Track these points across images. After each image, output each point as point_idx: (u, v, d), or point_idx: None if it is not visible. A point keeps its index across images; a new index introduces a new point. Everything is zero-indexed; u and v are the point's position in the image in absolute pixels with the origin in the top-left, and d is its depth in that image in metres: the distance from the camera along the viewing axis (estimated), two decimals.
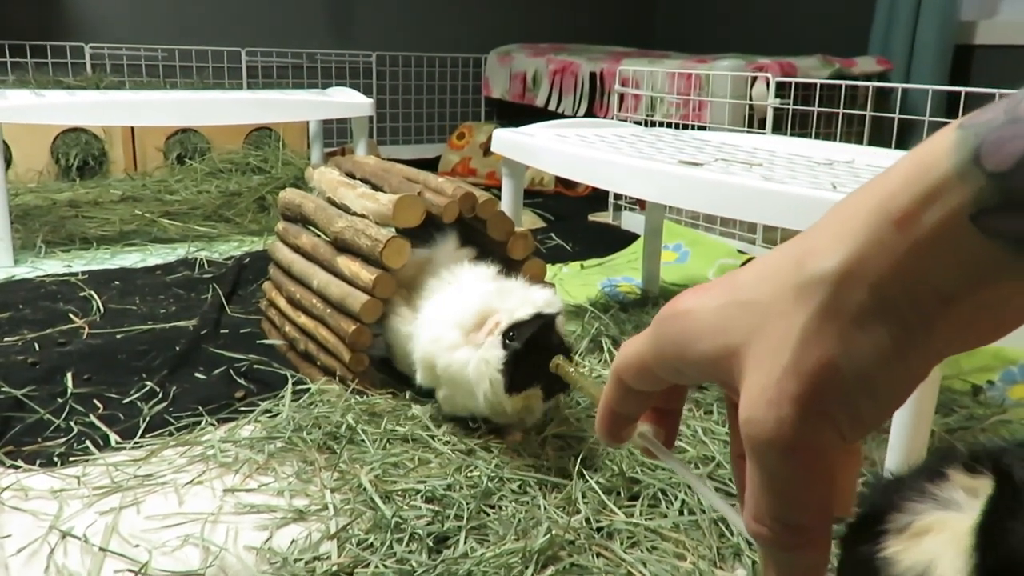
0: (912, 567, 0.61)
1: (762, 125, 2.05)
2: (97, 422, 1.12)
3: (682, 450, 1.05)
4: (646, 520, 0.91)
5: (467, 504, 0.92)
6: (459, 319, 1.04)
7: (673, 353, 0.32)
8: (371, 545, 0.87)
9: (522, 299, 1.03)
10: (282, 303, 1.40)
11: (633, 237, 2.20)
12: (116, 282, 1.75)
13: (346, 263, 1.22)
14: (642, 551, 0.87)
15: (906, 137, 1.84)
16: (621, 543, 0.88)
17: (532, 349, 0.98)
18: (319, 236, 1.35)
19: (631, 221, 2.34)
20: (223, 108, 2.09)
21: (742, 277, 0.31)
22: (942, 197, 0.25)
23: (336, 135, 3.28)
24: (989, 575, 0.59)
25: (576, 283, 1.84)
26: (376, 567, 0.83)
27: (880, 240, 0.26)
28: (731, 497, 0.94)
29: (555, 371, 0.93)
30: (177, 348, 1.37)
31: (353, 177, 1.42)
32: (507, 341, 1.00)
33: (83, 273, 1.79)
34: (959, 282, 0.26)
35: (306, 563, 0.84)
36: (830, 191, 0.96)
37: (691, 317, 0.31)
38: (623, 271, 1.95)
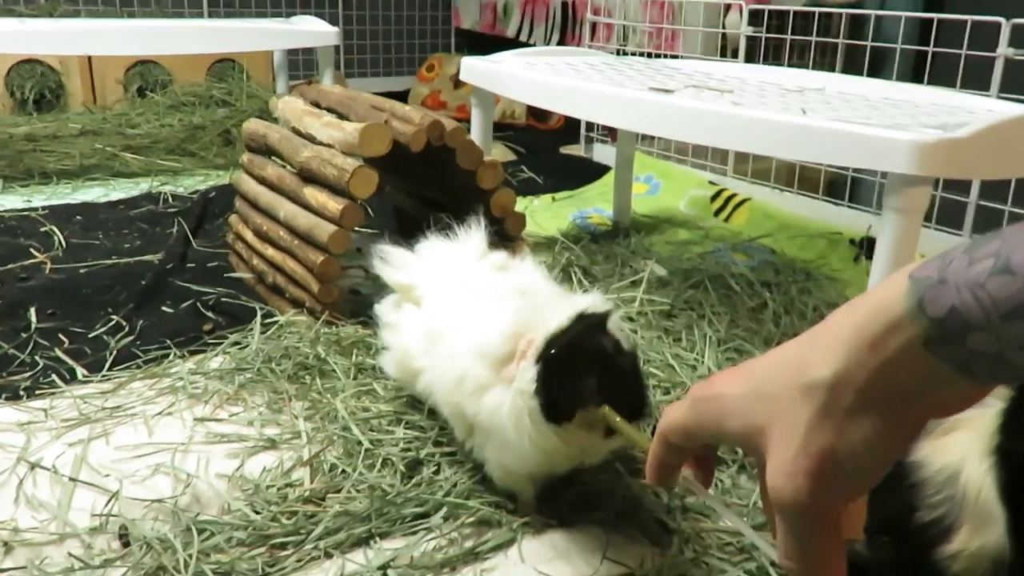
0: (942, 468, 0.62)
1: (735, 54, 2.03)
2: (63, 356, 1.10)
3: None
4: None
5: (440, 430, 0.93)
6: (485, 348, 0.77)
7: (711, 427, 0.43)
8: (343, 471, 0.87)
9: (559, 308, 0.75)
10: (249, 236, 1.38)
11: (605, 169, 2.18)
12: (78, 217, 1.71)
13: (313, 194, 1.21)
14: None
15: (879, 65, 1.83)
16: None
17: (574, 356, 0.71)
18: (285, 167, 1.33)
19: (603, 153, 2.33)
20: (183, 37, 2.02)
21: (759, 370, 0.42)
22: (900, 330, 0.35)
23: (302, 67, 3.20)
24: (1009, 454, 0.60)
25: (547, 215, 1.83)
26: (349, 492, 0.84)
27: (859, 359, 0.37)
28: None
29: (603, 418, 0.69)
30: (143, 282, 1.35)
31: (318, 106, 1.39)
32: (547, 354, 0.72)
33: (43, 208, 1.75)
34: (920, 386, 0.36)
35: (279, 490, 0.84)
36: (800, 116, 0.95)
37: (724, 400, 0.42)
38: (595, 203, 1.94)
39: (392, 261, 0.97)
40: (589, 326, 0.72)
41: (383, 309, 0.98)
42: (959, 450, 0.61)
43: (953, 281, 0.34)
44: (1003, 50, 1.36)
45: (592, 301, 0.76)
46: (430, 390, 0.87)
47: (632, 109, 1.09)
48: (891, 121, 0.95)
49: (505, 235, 1.29)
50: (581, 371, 0.70)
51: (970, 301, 0.33)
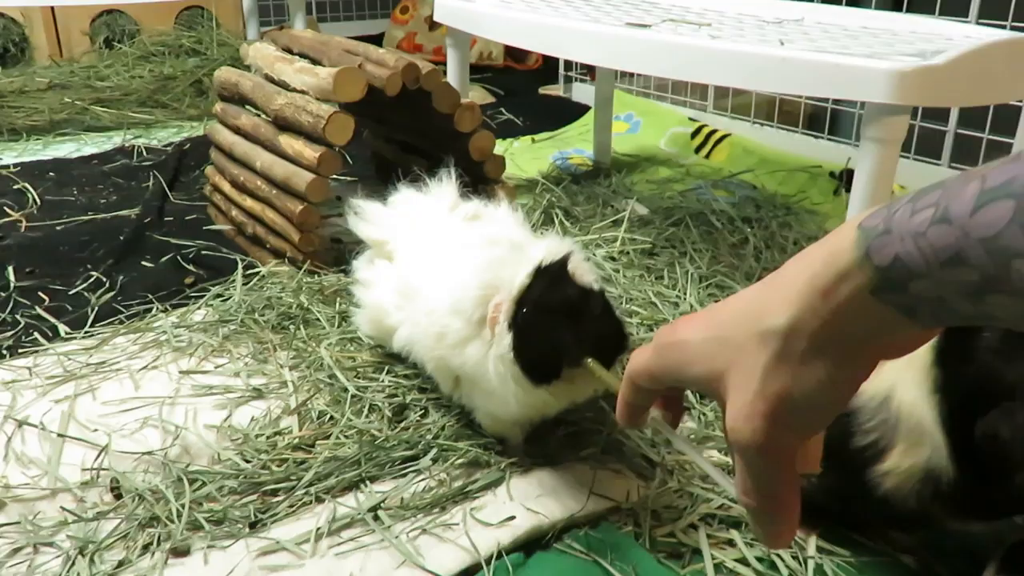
0: (874, 395, 0.65)
1: None
2: (44, 314, 1.10)
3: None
4: None
5: (425, 376, 0.93)
6: (459, 307, 0.76)
7: (674, 372, 0.45)
8: (331, 418, 0.88)
9: (518, 261, 0.75)
10: (226, 187, 1.36)
11: (584, 109, 2.16)
12: (51, 173, 1.68)
13: (289, 142, 1.19)
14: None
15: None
16: None
17: (545, 316, 0.71)
18: (259, 116, 1.31)
19: (582, 92, 2.30)
20: None
21: (720, 317, 0.43)
22: (849, 279, 0.37)
23: (273, 13, 3.12)
24: (950, 381, 0.63)
25: (527, 157, 1.81)
26: (337, 438, 0.85)
27: (812, 306, 0.38)
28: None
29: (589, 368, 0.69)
30: (121, 237, 1.34)
31: (290, 52, 1.36)
32: (517, 320, 0.72)
33: (15, 165, 1.72)
34: (869, 332, 0.38)
35: (268, 438, 0.85)
36: (777, 48, 0.95)
37: (686, 346, 0.44)
38: (575, 143, 1.93)
39: (364, 215, 0.97)
40: (552, 279, 0.72)
41: (357, 266, 0.98)
42: (890, 378, 0.64)
43: (897, 231, 0.35)
44: None
45: (548, 248, 0.75)
46: (410, 346, 0.86)
47: (609, 45, 1.07)
48: (869, 51, 0.95)
49: (485, 178, 1.28)
50: (555, 329, 0.70)
51: (912, 250, 0.34)
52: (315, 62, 1.28)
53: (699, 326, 0.44)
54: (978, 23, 1.36)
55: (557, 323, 0.70)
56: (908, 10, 1.48)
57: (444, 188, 0.95)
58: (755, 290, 0.42)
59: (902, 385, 0.64)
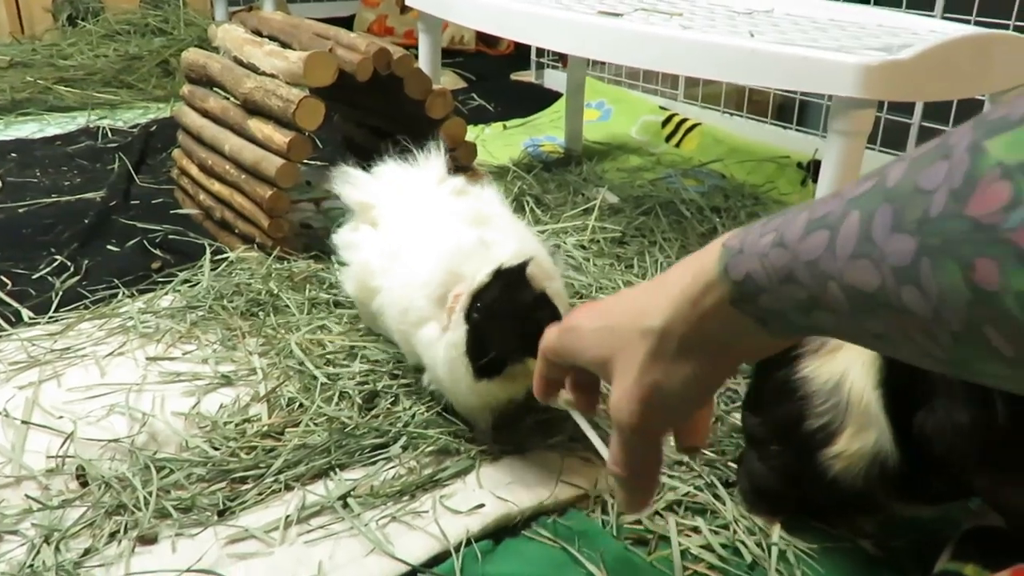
0: (828, 380, 0.67)
1: None
2: (7, 298, 1.08)
3: None
4: None
5: (396, 363, 0.93)
6: (425, 286, 0.80)
7: (572, 354, 0.50)
8: (301, 406, 0.88)
9: (485, 258, 0.77)
10: (194, 171, 1.35)
11: (556, 96, 2.16)
12: (13, 154, 1.65)
13: (258, 126, 1.18)
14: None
15: None
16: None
17: (497, 317, 0.75)
18: (228, 99, 1.29)
19: (554, 79, 2.30)
20: None
21: (612, 309, 0.48)
22: (713, 290, 0.42)
23: None
24: (891, 375, 0.65)
25: (499, 144, 1.81)
26: (307, 425, 0.85)
27: (682, 313, 0.43)
28: None
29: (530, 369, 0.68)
30: (86, 220, 1.32)
31: (260, 34, 1.35)
32: (472, 315, 0.76)
33: None
34: (731, 337, 0.43)
35: (236, 425, 0.85)
36: (747, 40, 0.95)
37: (581, 333, 0.49)
38: (546, 130, 1.93)
39: (352, 181, 0.97)
40: (509, 281, 0.75)
41: (342, 231, 0.98)
42: (842, 364, 0.67)
43: (748, 251, 0.40)
44: None
45: (513, 249, 0.78)
46: (382, 312, 0.88)
47: (580, 34, 1.07)
48: (836, 44, 0.96)
49: (457, 165, 1.28)
50: (503, 330, 0.75)
51: (759, 268, 0.39)
52: (285, 45, 1.26)
53: (594, 316, 0.49)
54: (943, 18, 1.38)
55: (506, 325, 0.75)
56: (876, 3, 1.50)
57: (432, 161, 0.96)
58: (643, 289, 0.47)
59: (854, 370, 0.66)
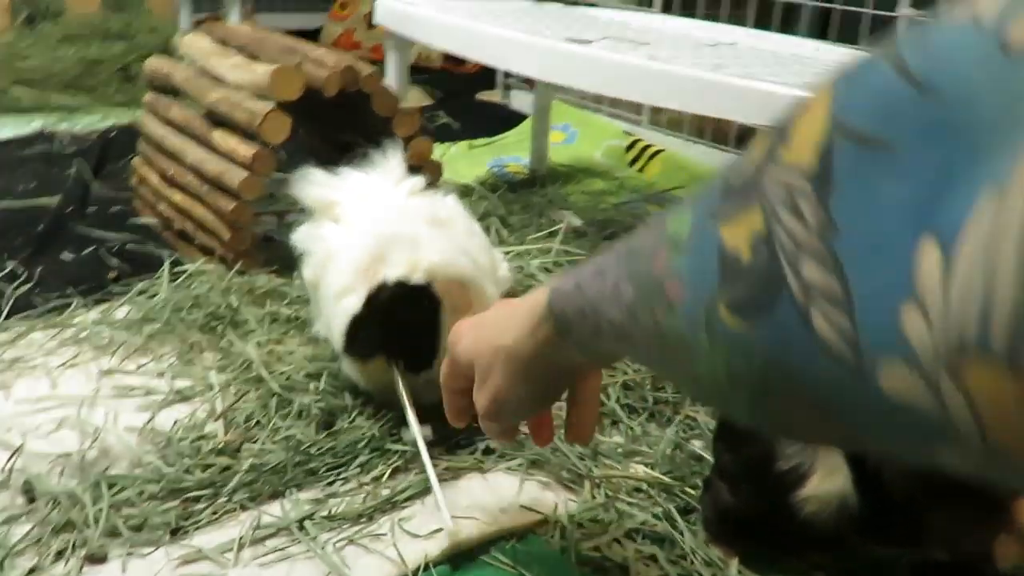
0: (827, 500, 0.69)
1: (651, 3, 2.04)
2: None
3: None
4: None
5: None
6: (353, 261, 0.87)
7: (455, 356, 0.60)
8: (258, 423, 0.87)
9: (405, 258, 0.85)
10: (154, 180, 1.33)
11: (522, 117, 2.18)
12: None
13: (222, 137, 1.17)
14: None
15: (790, 19, 1.87)
16: None
17: (378, 317, 0.84)
18: (191, 108, 1.28)
19: (520, 100, 2.32)
20: None
21: (483, 323, 0.59)
22: (545, 323, 0.51)
23: (206, 1, 3.05)
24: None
25: (464, 163, 1.82)
26: (263, 444, 0.84)
27: (524, 340, 0.53)
28: None
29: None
30: (40, 227, 1.29)
31: (227, 45, 1.34)
32: (369, 298, 0.84)
33: None
34: (564, 361, 0.53)
35: (192, 442, 0.83)
36: (711, 72, 0.97)
37: (459, 343, 0.59)
38: (512, 151, 1.94)
39: (314, 180, 1.00)
40: (401, 296, 0.84)
41: (302, 228, 0.99)
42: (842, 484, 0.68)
43: (562, 290, 0.49)
44: (904, 10, 1.41)
45: (432, 262, 0.85)
46: (325, 294, 0.92)
47: (549, 59, 1.08)
48: (798, 79, 0.98)
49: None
50: (382, 333, 0.84)
51: (568, 305, 0.48)
52: (252, 58, 1.26)
53: (473, 325, 0.60)
54: None
55: (387, 331, 0.84)
56: (837, 39, 1.54)
57: (390, 162, 1.00)
58: (509, 307, 0.57)
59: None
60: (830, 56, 1.25)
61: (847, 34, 1.57)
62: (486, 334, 0.57)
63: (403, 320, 0.84)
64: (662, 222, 0.38)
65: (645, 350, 0.42)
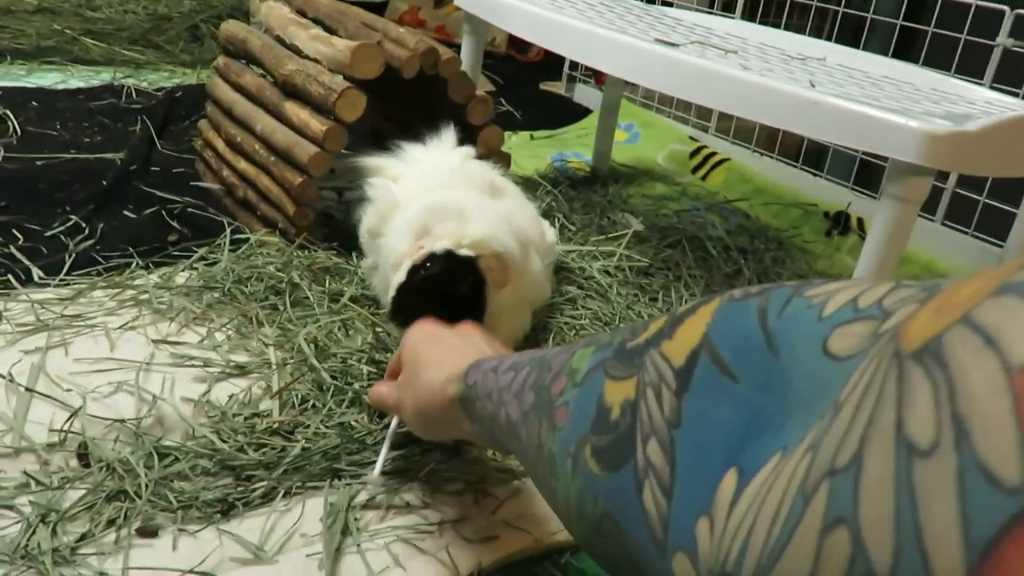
0: None
1: (729, 8, 1.99)
2: (18, 254, 1.05)
3: None
4: None
5: None
6: (403, 234, 0.91)
7: (403, 356, 0.73)
8: (313, 405, 0.85)
9: (450, 230, 0.87)
10: (220, 145, 1.32)
11: (585, 111, 2.14)
12: (34, 103, 1.61)
13: (294, 110, 1.15)
14: None
15: (872, 37, 1.81)
16: None
17: (423, 289, 0.85)
18: (264, 77, 1.26)
19: (584, 94, 2.28)
20: None
21: (432, 343, 0.70)
22: (456, 384, 0.61)
23: None
24: None
25: (525, 154, 1.79)
26: (317, 428, 0.82)
27: (440, 387, 0.62)
28: None
29: None
30: (104, 182, 1.29)
31: (304, 16, 1.32)
32: (417, 269, 0.86)
33: None
34: (466, 415, 0.59)
35: (245, 419, 0.82)
36: (809, 90, 0.94)
37: (415, 346, 0.71)
38: (573, 146, 1.91)
39: (374, 160, 1.11)
40: (444, 270, 0.85)
41: (370, 186, 1.05)
42: None
43: (482, 367, 0.57)
44: (1003, 40, 1.36)
45: (480, 234, 0.87)
46: (379, 255, 0.97)
47: (637, 60, 1.05)
48: (898, 105, 0.94)
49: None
50: (427, 304, 0.83)
51: (480, 381, 0.55)
52: (330, 31, 1.24)
53: (421, 339, 0.71)
54: (991, 87, 1.37)
55: (432, 303, 0.83)
56: (924, 64, 1.49)
57: (443, 136, 1.10)
58: (448, 348, 0.67)
59: None
60: (924, 82, 1.20)
61: (934, 57, 1.52)
62: (425, 356, 0.66)
63: (448, 292, 0.85)
64: (573, 350, 0.42)
65: (524, 454, 0.46)
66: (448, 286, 0.85)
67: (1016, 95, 1.36)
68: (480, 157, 1.23)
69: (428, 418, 0.64)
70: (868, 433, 0.20)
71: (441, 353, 0.65)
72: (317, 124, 1.11)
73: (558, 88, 2.42)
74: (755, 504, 0.25)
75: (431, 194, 0.94)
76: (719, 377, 0.30)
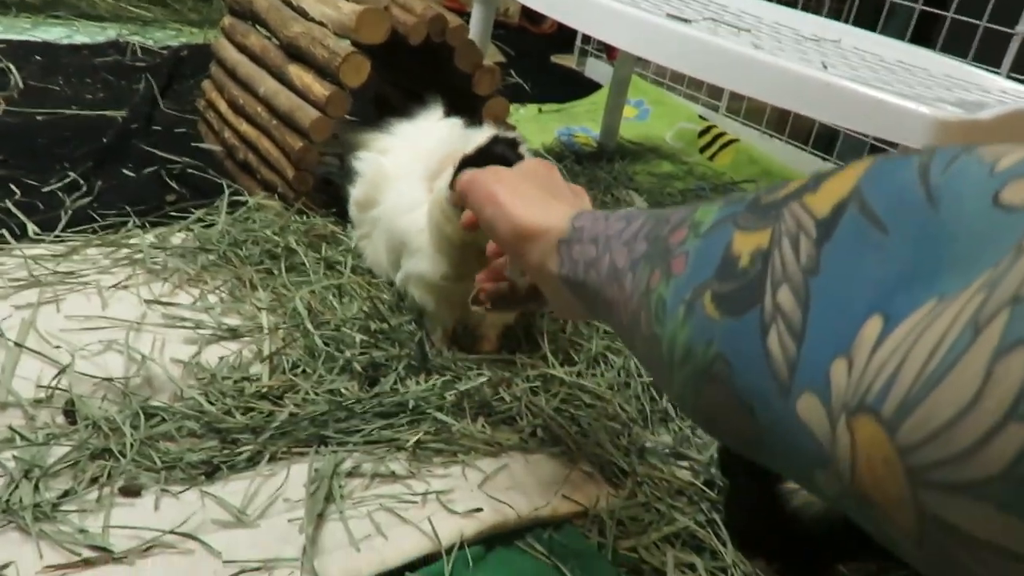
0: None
1: None
2: (13, 209, 1.04)
3: None
4: (580, 379, 0.92)
5: (404, 341, 0.90)
6: (423, 169, 0.90)
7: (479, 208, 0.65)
8: (304, 371, 0.85)
9: (483, 134, 0.86)
10: (223, 106, 1.30)
11: (595, 86, 2.12)
12: (37, 57, 1.60)
13: (298, 73, 1.13)
14: (572, 408, 0.88)
15: (890, 22, 1.78)
16: (552, 397, 0.88)
17: (483, 160, 0.79)
18: (269, 39, 1.24)
19: (595, 69, 2.25)
20: None
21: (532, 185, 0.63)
22: (567, 222, 0.55)
23: None
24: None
25: (533, 127, 1.77)
26: (307, 394, 0.82)
27: (549, 231, 0.57)
28: None
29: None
30: (104, 140, 1.28)
31: None
32: (480, 147, 0.83)
33: (1, 42, 1.63)
34: (559, 257, 0.55)
35: (235, 382, 0.82)
36: (821, 71, 0.92)
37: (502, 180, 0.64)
38: (581, 120, 1.89)
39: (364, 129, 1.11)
40: (500, 142, 0.82)
41: (359, 160, 1.05)
42: None
43: (587, 213, 0.55)
44: (1022, 28, 1.33)
45: (510, 132, 0.86)
46: (376, 225, 0.98)
47: (649, 35, 1.03)
48: (910, 90, 0.92)
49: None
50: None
51: (588, 226, 0.53)
52: None
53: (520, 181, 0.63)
54: (1008, 77, 1.35)
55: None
56: (941, 50, 1.46)
57: (431, 109, 1.07)
58: (556, 193, 0.62)
59: None
60: (937, 68, 1.18)
61: (953, 43, 1.49)
62: (537, 198, 0.60)
63: (511, 163, 0.80)
64: (695, 207, 0.41)
65: (619, 303, 0.45)
66: (514, 150, 0.82)
67: None
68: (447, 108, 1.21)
69: (509, 236, 0.59)
70: None
71: (549, 194, 0.61)
72: (320, 88, 1.09)
73: (569, 61, 2.39)
74: (906, 342, 0.25)
75: (425, 162, 0.93)
76: (867, 228, 0.29)
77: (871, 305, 0.27)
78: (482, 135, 0.86)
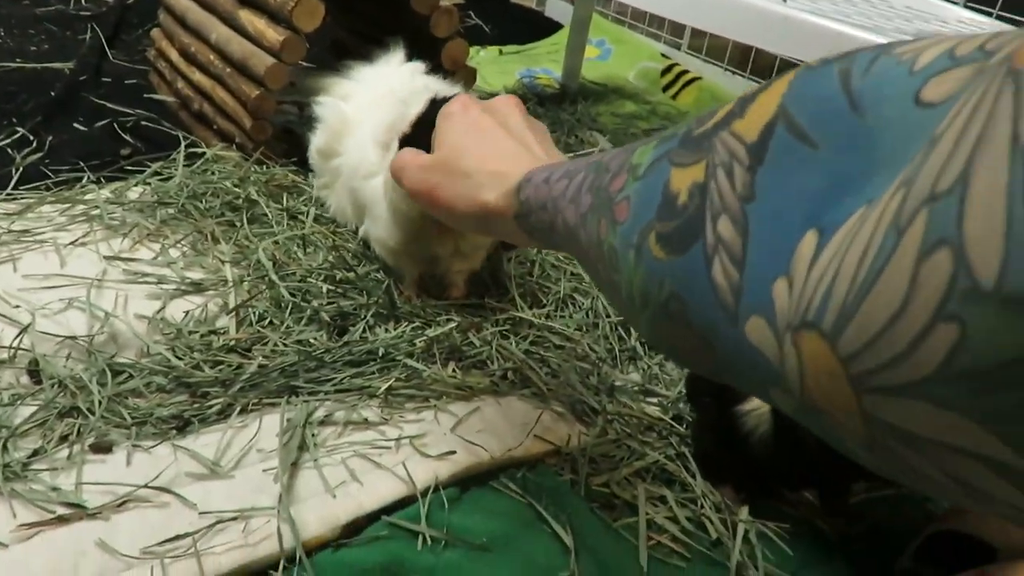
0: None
1: None
2: None
3: None
4: (548, 321, 0.93)
5: (371, 289, 0.90)
6: (374, 137, 0.88)
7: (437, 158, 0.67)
8: (271, 323, 0.84)
9: (424, 99, 0.83)
10: (174, 56, 1.27)
11: (556, 26, 2.09)
12: None
13: (250, 18, 1.10)
14: (542, 350, 0.88)
15: None
16: (521, 340, 0.89)
17: (424, 131, 0.77)
18: None
19: (556, 8, 2.22)
20: None
21: (472, 152, 0.63)
22: (509, 198, 0.56)
23: None
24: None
25: (493, 69, 1.75)
26: (275, 345, 0.81)
27: (484, 204, 0.58)
28: None
29: None
30: (52, 93, 1.24)
31: None
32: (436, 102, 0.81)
33: None
34: (522, 229, 0.56)
35: (202, 336, 0.81)
36: (780, 5, 0.91)
37: (453, 146, 0.65)
38: (543, 62, 1.87)
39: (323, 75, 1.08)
40: (439, 105, 0.77)
41: (319, 106, 1.03)
42: None
43: (532, 181, 0.54)
44: None
45: (446, 88, 0.87)
46: (338, 174, 0.97)
47: None
48: (869, 22, 0.92)
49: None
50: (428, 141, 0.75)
51: (533, 195, 0.53)
52: None
53: (464, 148, 0.63)
54: (966, 6, 1.35)
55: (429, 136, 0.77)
56: None
57: (392, 54, 1.05)
58: (504, 153, 0.60)
59: None
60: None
61: None
62: (484, 165, 0.60)
63: None
64: (632, 149, 0.41)
65: (585, 256, 0.46)
66: None
67: (990, 15, 1.34)
68: (445, 72, 1.20)
69: (464, 221, 0.61)
70: (976, 153, 0.20)
71: (491, 158, 0.60)
72: (274, 34, 1.06)
73: (530, 2, 2.35)
74: (839, 253, 0.25)
75: (384, 111, 0.90)
76: (796, 145, 0.29)
77: (806, 221, 0.27)
78: (421, 98, 0.83)
